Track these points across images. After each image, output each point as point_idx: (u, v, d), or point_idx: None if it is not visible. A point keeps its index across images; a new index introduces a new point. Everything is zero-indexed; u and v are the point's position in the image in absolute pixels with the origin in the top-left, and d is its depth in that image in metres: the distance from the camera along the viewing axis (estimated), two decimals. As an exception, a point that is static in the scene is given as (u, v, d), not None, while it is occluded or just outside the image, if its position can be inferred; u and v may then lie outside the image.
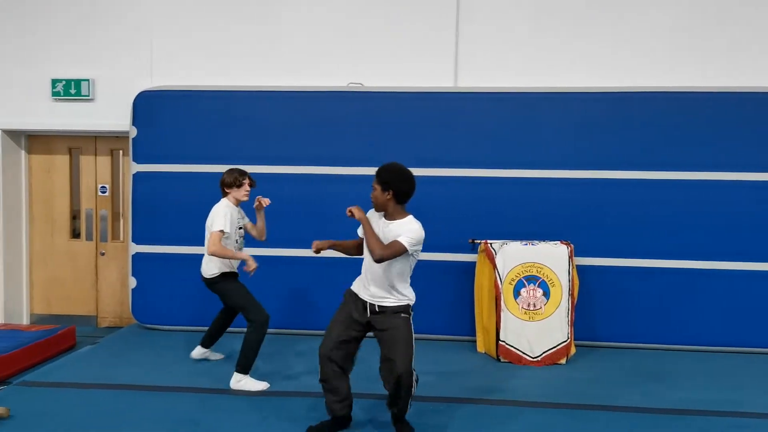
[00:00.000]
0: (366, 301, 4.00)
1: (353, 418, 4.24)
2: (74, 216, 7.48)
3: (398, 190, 3.91)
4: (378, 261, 3.84)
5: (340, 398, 4.05)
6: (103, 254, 7.41)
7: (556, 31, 6.58)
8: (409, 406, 4.00)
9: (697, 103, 6.21)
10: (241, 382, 4.89)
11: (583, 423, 4.30)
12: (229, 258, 4.99)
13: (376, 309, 3.97)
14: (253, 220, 5.38)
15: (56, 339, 6.20)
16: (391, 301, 3.97)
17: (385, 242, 3.87)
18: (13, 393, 4.71)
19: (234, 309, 5.28)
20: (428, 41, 6.68)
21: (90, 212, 7.43)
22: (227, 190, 5.12)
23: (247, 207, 5.40)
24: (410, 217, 3.97)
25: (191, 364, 5.43)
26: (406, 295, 4.01)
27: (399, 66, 6.68)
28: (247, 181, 5.12)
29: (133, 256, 6.68)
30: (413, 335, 3.98)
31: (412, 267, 4.04)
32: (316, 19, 6.78)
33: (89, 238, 7.43)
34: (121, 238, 7.42)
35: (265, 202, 5.16)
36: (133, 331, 6.63)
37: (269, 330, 5.00)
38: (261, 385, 4.90)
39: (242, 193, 5.10)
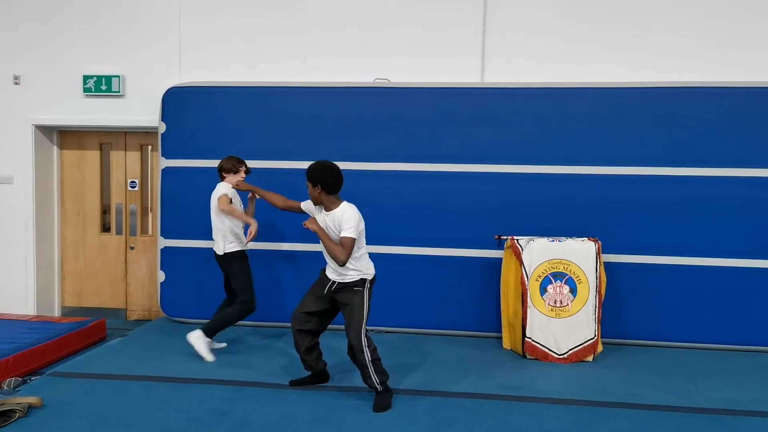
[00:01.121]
0: (331, 280, 4.54)
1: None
2: (104, 210, 7.60)
3: (325, 183, 4.39)
4: (343, 265, 4.38)
5: (314, 359, 4.70)
6: (132, 248, 7.52)
7: (584, 23, 6.53)
8: (374, 376, 4.39)
9: (733, 98, 6.09)
10: (198, 339, 5.39)
11: (611, 421, 4.26)
12: (237, 217, 5.43)
13: (335, 287, 4.52)
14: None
15: (87, 331, 6.32)
16: (347, 278, 4.48)
17: (328, 230, 4.42)
18: (46, 383, 4.80)
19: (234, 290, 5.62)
20: (455, 35, 6.66)
21: (120, 207, 7.54)
22: (224, 175, 5.55)
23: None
24: (344, 205, 4.46)
25: (218, 357, 5.48)
26: (360, 270, 4.48)
27: (426, 61, 6.67)
28: (243, 168, 5.57)
29: (161, 250, 6.77)
30: (365, 306, 4.47)
31: (362, 245, 4.52)
32: (342, 14, 6.80)
33: (119, 232, 7.55)
34: (150, 233, 7.52)
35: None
36: (161, 324, 6.71)
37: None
38: (209, 357, 5.37)
39: (237, 178, 5.53)
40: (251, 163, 6.46)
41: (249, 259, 5.63)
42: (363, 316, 4.43)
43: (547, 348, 5.64)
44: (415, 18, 6.72)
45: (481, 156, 6.34)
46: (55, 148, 7.53)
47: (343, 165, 6.35)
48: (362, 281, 4.48)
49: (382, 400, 4.39)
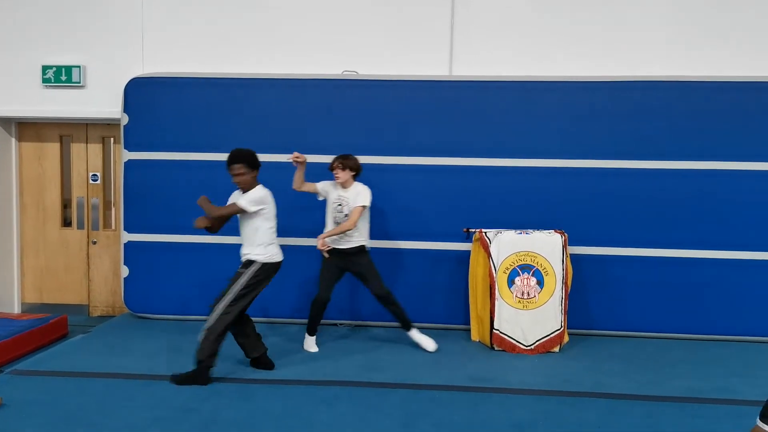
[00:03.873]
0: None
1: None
2: (65, 204, 7.42)
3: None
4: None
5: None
6: (94, 243, 7.36)
7: (553, 18, 6.56)
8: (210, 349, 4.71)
9: (697, 92, 6.19)
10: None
11: (577, 411, 4.31)
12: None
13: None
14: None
15: (48, 328, 6.16)
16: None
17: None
18: (5, 382, 4.68)
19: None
20: (424, 29, 6.64)
21: (81, 201, 7.37)
22: None
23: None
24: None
25: (184, 353, 5.40)
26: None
27: (395, 53, 6.64)
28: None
29: (125, 244, 6.64)
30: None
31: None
32: (310, 5, 6.73)
33: (81, 226, 7.38)
34: (113, 227, 7.37)
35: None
36: (125, 320, 6.59)
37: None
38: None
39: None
40: (215, 157, 6.38)
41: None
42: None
43: (514, 339, 5.68)
44: (384, 11, 6.68)
45: (450, 149, 6.35)
46: (13, 140, 7.32)
47: (312, 158, 6.37)
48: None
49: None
